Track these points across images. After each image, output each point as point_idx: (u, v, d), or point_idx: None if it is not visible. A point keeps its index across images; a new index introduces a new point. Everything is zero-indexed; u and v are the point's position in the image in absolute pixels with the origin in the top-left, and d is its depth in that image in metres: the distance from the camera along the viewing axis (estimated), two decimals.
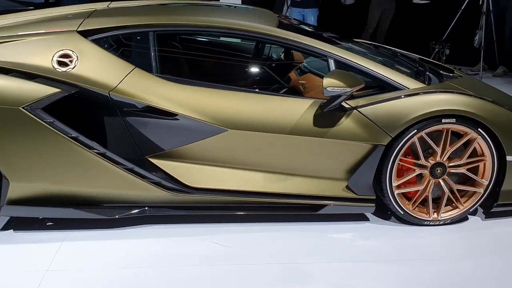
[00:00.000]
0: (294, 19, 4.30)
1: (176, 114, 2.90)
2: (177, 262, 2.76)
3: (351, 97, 3.03)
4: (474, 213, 3.35)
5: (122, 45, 3.07)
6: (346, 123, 3.00)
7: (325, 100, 2.99)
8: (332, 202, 3.10)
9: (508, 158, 3.12)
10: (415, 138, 3.03)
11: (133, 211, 2.97)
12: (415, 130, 3.00)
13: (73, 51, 2.93)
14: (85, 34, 3.03)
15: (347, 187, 3.10)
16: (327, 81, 2.82)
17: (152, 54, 3.03)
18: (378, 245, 3.02)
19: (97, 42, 3.01)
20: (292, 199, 3.08)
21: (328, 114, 3.00)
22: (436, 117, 3.01)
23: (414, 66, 3.71)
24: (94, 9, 3.42)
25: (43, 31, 3.01)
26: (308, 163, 3.06)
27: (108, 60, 2.93)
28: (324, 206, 3.11)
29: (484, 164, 3.16)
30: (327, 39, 3.48)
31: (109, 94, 2.86)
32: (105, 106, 2.88)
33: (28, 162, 2.80)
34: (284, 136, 2.99)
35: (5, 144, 2.75)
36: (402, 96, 3.04)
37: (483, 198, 3.21)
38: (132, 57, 3.05)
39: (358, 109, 3.01)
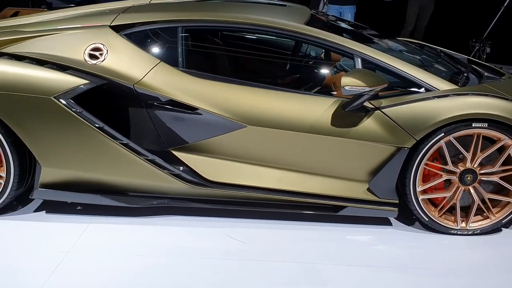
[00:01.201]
0: (332, 16, 4.22)
1: (197, 108, 2.96)
2: (193, 254, 2.81)
3: (375, 97, 2.95)
4: (508, 225, 3.14)
5: (151, 39, 3.17)
6: (368, 123, 2.92)
7: (348, 100, 2.92)
8: (352, 204, 3.03)
9: None
10: (442, 142, 2.89)
11: (154, 202, 3.06)
12: (442, 134, 2.87)
13: (103, 45, 3.06)
14: (117, 28, 3.15)
15: (368, 189, 3.03)
16: (345, 80, 2.76)
17: (179, 49, 3.11)
18: (397, 251, 2.92)
19: (128, 36, 3.13)
20: (311, 198, 3.04)
21: (350, 114, 2.94)
22: (466, 120, 2.85)
23: (454, 67, 3.53)
24: (132, 5, 3.54)
25: (79, 26, 3.17)
26: (328, 162, 3.01)
27: (135, 54, 3.04)
28: (344, 207, 3.04)
29: None
30: (360, 37, 3.41)
31: (133, 86, 2.96)
32: (130, 98, 2.98)
33: (58, 149, 2.96)
34: (304, 135, 2.96)
35: (38, 131, 2.92)
36: (429, 98, 2.91)
37: None
38: (160, 52, 3.14)
39: (382, 110, 2.92)
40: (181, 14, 3.21)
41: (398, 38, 4.17)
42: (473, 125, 2.86)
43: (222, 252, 2.83)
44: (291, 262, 2.75)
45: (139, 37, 3.15)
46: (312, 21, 3.35)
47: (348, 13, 5.98)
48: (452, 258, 2.88)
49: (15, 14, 4.37)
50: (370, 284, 2.62)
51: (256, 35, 3.28)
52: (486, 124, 2.85)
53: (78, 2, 4.62)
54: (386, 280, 2.64)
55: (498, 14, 6.73)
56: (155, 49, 3.15)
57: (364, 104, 2.92)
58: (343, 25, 3.94)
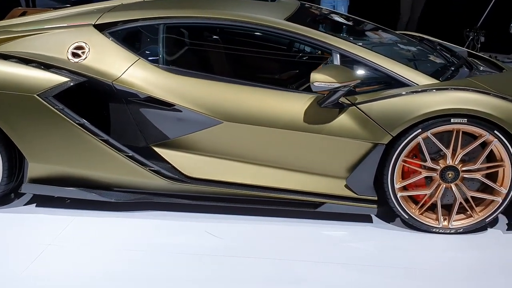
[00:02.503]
0: (325, 9, 4.17)
1: (173, 105, 3.00)
2: (170, 249, 2.84)
3: (351, 93, 2.91)
4: (494, 224, 3.04)
5: (134, 37, 3.23)
6: (344, 119, 2.89)
7: (323, 96, 2.89)
8: (330, 200, 3.01)
9: None
10: (419, 138, 2.82)
11: (135, 197, 3.12)
12: (419, 130, 2.80)
13: (86, 44, 3.14)
14: (101, 27, 3.22)
15: (346, 186, 2.99)
16: (314, 76, 2.73)
17: (160, 46, 3.16)
18: (373, 249, 2.88)
19: (111, 35, 3.19)
20: (289, 194, 3.04)
21: (326, 110, 2.91)
22: (444, 116, 2.77)
23: (447, 60, 3.44)
24: (120, 3, 3.61)
25: (64, 25, 3.26)
26: (305, 159, 3.00)
27: (115, 52, 3.10)
28: (323, 203, 3.02)
29: (503, 170, 2.85)
30: (348, 30, 3.36)
31: (112, 84, 3.03)
32: (110, 95, 3.05)
33: (43, 145, 3.06)
34: (280, 131, 2.95)
35: (23, 128, 3.03)
36: (406, 93, 2.85)
37: (502, 208, 2.91)
38: (141, 49, 3.19)
39: (357, 106, 2.88)
40: (162, 11, 3.25)
41: (397, 32, 4.09)
42: (452, 120, 2.78)
43: (199, 247, 2.86)
44: (266, 259, 2.76)
45: (122, 35, 3.21)
46: (297, 16, 3.32)
47: (341, 6, 5.92)
48: (431, 257, 2.81)
49: (23, 14, 4.53)
50: (343, 282, 2.59)
51: (235, 31, 3.27)
52: (466, 119, 2.76)
53: (73, 1, 4.74)
54: (359, 278, 2.60)
55: (491, 3, 6.64)
56: (137, 47, 3.21)
57: (340, 100, 2.88)
58: (337, 18, 3.89)
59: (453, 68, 3.23)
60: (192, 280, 2.59)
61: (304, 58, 3.31)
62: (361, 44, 3.23)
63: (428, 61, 3.35)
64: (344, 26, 3.80)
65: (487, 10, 6.63)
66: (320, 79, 2.73)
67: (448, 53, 3.68)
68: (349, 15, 4.24)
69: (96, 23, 3.24)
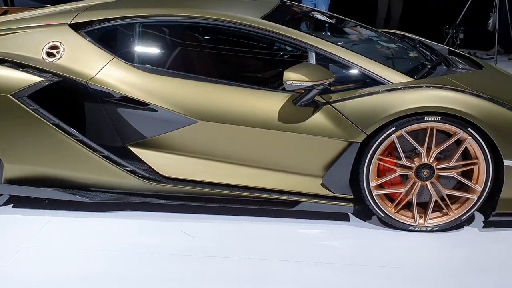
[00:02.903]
0: (307, 7, 4.16)
1: (148, 104, 2.98)
2: (145, 248, 2.83)
3: (327, 91, 2.90)
4: (470, 221, 3.05)
5: (109, 36, 3.21)
6: (319, 118, 2.88)
7: (299, 94, 2.88)
8: (307, 199, 3.00)
9: (506, 162, 2.79)
10: (393, 137, 2.82)
11: (112, 197, 3.11)
12: (393, 128, 2.80)
13: (61, 43, 3.12)
14: (77, 26, 3.21)
15: (323, 184, 2.98)
16: (287, 75, 2.73)
17: (135, 45, 3.14)
18: (347, 248, 2.89)
19: (87, 34, 3.18)
20: (265, 193, 3.03)
21: (301, 109, 2.91)
22: (418, 114, 2.77)
23: (425, 58, 3.44)
24: (98, 2, 3.59)
25: (40, 24, 3.24)
26: (281, 158, 2.99)
27: (90, 52, 3.09)
28: (300, 202, 3.02)
29: (478, 168, 2.85)
30: (326, 28, 3.35)
31: (87, 83, 3.01)
32: (85, 95, 3.04)
33: (17, 145, 3.04)
34: (256, 130, 2.94)
35: None
36: (380, 91, 2.84)
37: (477, 206, 2.91)
38: (116, 48, 3.17)
39: (332, 104, 2.88)
40: (138, 10, 3.23)
41: (380, 30, 4.08)
42: (426, 118, 2.77)
43: (174, 247, 2.85)
44: (240, 259, 2.75)
45: (98, 34, 3.19)
46: (275, 14, 3.31)
47: (323, 4, 5.93)
48: (406, 255, 2.81)
49: (5, 13, 4.50)
50: (317, 281, 2.58)
51: (210, 29, 3.26)
52: (439, 117, 2.76)
53: (53, 1, 4.72)
54: (334, 277, 2.59)
55: (470, 0, 6.71)
56: (112, 46, 3.19)
57: (315, 98, 2.88)
58: (317, 16, 3.88)
59: (430, 66, 3.23)
60: (166, 280, 2.58)
61: (280, 57, 3.30)
62: (339, 42, 3.23)
63: (405, 59, 3.35)
64: (323, 24, 3.80)
65: (466, 7, 6.71)
66: (293, 78, 2.72)
67: (428, 51, 3.68)
68: (329, 13, 4.24)
69: (71, 22, 3.22)
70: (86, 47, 3.10)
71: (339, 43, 3.19)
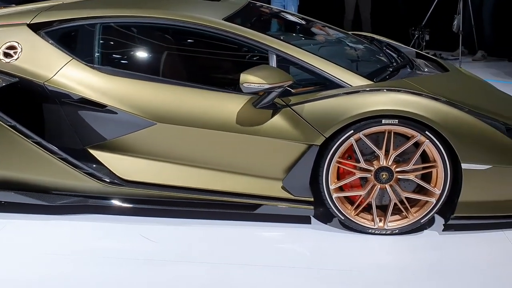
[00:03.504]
0: (275, 8, 4.15)
1: (105, 106, 2.94)
2: (103, 253, 2.79)
3: (286, 94, 2.89)
4: (430, 224, 3.05)
5: (69, 37, 3.17)
6: (278, 121, 2.87)
7: (259, 97, 2.87)
8: (267, 202, 2.98)
9: (464, 165, 2.80)
10: (352, 140, 2.81)
11: (71, 200, 3.07)
12: (352, 131, 2.80)
13: (18, 43, 3.07)
14: (37, 27, 3.16)
15: (283, 187, 2.97)
16: (244, 77, 2.71)
17: (95, 46, 3.10)
18: (305, 251, 2.88)
19: (47, 34, 3.13)
20: (225, 196, 3.01)
21: (260, 111, 2.89)
22: (376, 117, 2.77)
23: (389, 61, 3.45)
24: (61, 2, 3.54)
25: None
26: (241, 160, 2.97)
27: (49, 52, 3.04)
28: (262, 205, 3.00)
29: (436, 171, 2.86)
30: (292, 29, 3.34)
31: (44, 84, 2.97)
32: (43, 96, 2.99)
33: None
34: (215, 132, 2.92)
35: None
36: (339, 94, 2.84)
37: (436, 209, 2.92)
38: (75, 49, 3.13)
39: (291, 107, 2.87)
40: (99, 11, 3.19)
41: (350, 32, 4.08)
42: (383, 121, 2.77)
43: (133, 251, 2.81)
44: (201, 263, 2.71)
45: (57, 35, 3.15)
46: (239, 15, 3.30)
47: (291, 5, 5.95)
48: (365, 258, 2.80)
49: None
50: (273, 285, 2.56)
51: (170, 30, 3.22)
52: (396, 120, 2.76)
53: (18, 1, 4.68)
54: (293, 282, 2.57)
55: (435, 2, 6.86)
56: (72, 47, 3.14)
57: (275, 101, 2.86)
58: (284, 18, 3.87)
59: (392, 69, 3.23)
60: (123, 285, 2.54)
61: (242, 59, 3.28)
62: (304, 44, 3.22)
63: (369, 62, 3.36)
64: (290, 26, 3.79)
65: (431, 9, 6.83)
66: (249, 80, 2.70)
67: (395, 53, 3.68)
68: (298, 14, 4.23)
69: (30, 22, 3.17)
70: (44, 48, 3.06)
71: (303, 45, 3.19)
